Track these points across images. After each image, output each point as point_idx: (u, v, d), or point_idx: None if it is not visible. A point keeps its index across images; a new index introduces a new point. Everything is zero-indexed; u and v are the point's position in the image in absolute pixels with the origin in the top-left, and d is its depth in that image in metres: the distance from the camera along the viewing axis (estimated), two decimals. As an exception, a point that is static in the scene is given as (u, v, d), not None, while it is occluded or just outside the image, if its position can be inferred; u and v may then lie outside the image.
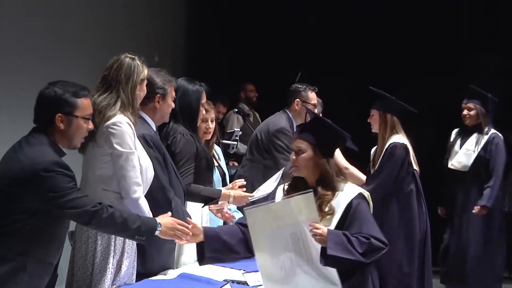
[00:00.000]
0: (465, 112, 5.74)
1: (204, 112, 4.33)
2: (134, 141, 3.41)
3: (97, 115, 3.37)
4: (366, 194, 3.20)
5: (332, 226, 3.06)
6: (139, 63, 3.51)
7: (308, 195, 2.96)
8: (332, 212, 3.10)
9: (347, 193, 3.15)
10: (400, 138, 4.81)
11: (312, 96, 5.55)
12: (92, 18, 6.51)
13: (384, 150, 4.79)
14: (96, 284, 3.34)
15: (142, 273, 3.57)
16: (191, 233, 3.16)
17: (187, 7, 8.64)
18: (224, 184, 4.55)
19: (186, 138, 4.12)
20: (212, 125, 4.51)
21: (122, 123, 3.37)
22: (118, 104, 3.41)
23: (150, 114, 3.79)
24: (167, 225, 3.14)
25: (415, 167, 4.88)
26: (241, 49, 8.26)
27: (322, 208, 3.10)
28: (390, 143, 4.78)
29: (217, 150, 4.73)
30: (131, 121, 3.41)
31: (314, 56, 8.11)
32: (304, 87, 5.53)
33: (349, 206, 3.10)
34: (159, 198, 3.63)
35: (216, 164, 4.57)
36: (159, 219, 3.17)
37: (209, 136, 4.52)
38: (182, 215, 3.68)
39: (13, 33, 5.53)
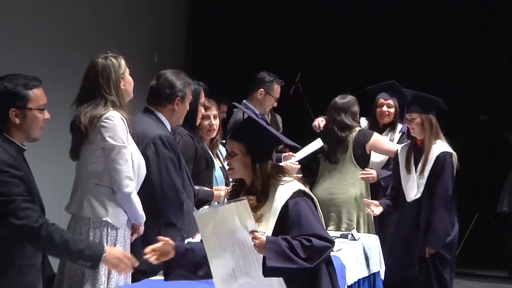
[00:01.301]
0: (384, 108, 5.41)
1: (203, 110, 4.33)
2: (126, 135, 3.42)
3: (82, 117, 3.38)
4: (306, 189, 2.97)
5: (269, 232, 2.86)
6: (112, 59, 3.48)
7: (242, 203, 2.77)
8: (263, 218, 2.90)
9: (282, 194, 2.92)
10: (445, 146, 4.67)
11: (277, 90, 5.40)
12: (92, 18, 6.51)
13: (432, 157, 4.62)
14: (90, 279, 3.34)
15: (147, 272, 3.56)
16: (132, 270, 3.05)
17: (187, 7, 8.63)
18: (227, 184, 4.55)
19: (185, 139, 4.13)
20: (215, 122, 4.48)
21: (114, 117, 3.38)
22: (109, 105, 3.41)
23: (167, 115, 3.83)
24: (114, 254, 2.97)
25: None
26: (241, 49, 8.26)
27: (254, 214, 2.87)
28: (441, 152, 4.63)
29: (222, 150, 4.72)
30: (124, 116, 3.42)
31: (315, 56, 8.10)
32: (271, 78, 5.38)
33: (285, 208, 2.88)
34: (171, 199, 3.64)
35: (219, 165, 4.56)
36: (107, 247, 3.01)
37: (213, 134, 4.50)
38: (193, 218, 3.69)
39: (13, 33, 5.54)
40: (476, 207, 7.98)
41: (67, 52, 6.05)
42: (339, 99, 5.38)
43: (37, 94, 2.90)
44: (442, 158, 4.59)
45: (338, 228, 5.23)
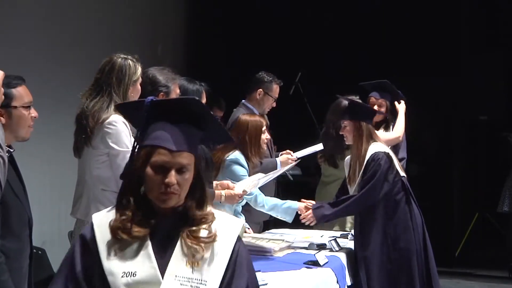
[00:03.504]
0: (375, 108, 5.18)
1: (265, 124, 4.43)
2: (130, 139, 3.41)
3: (90, 119, 3.36)
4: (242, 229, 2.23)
5: (217, 281, 2.04)
6: (131, 63, 3.47)
7: None
8: (202, 260, 2.03)
9: (226, 229, 2.11)
10: (380, 146, 4.42)
11: (276, 90, 5.35)
12: (92, 18, 6.50)
13: (365, 161, 4.34)
14: None
15: None
16: None
17: (187, 7, 8.64)
18: None
19: None
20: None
21: (117, 122, 3.37)
22: (112, 106, 3.39)
23: None
24: None
25: (402, 173, 4.44)
26: (242, 49, 8.26)
27: (200, 239, 2.04)
28: (372, 154, 4.35)
29: None
30: (126, 120, 3.41)
31: (315, 56, 8.10)
32: (270, 78, 5.33)
33: (234, 252, 2.09)
34: None
35: None
36: None
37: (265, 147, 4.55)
38: None
39: (13, 33, 5.53)
40: (476, 207, 7.99)
41: (66, 52, 6.05)
42: (344, 101, 5.35)
43: (20, 92, 2.86)
44: (370, 159, 4.33)
45: (343, 229, 5.20)
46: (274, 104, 5.38)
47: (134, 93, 3.52)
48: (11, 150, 2.87)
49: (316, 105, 7.13)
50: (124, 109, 2.30)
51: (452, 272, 7.40)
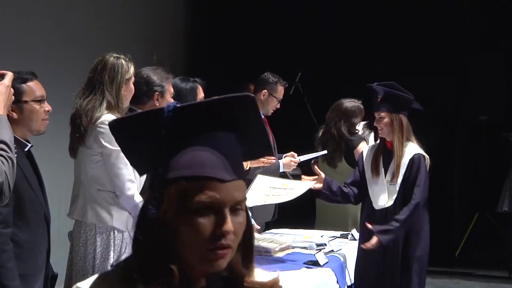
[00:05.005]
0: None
1: None
2: None
3: (84, 118, 3.37)
4: None
5: None
6: (123, 62, 3.48)
7: None
8: None
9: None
10: (417, 148, 4.22)
11: (281, 91, 5.32)
12: (92, 18, 6.50)
13: (406, 160, 4.15)
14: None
15: None
16: None
17: (187, 7, 8.63)
18: None
19: None
20: None
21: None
22: (104, 105, 3.41)
23: None
24: None
25: None
26: (241, 50, 8.26)
27: None
28: (415, 154, 4.15)
29: None
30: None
31: (315, 56, 8.10)
32: (275, 79, 5.30)
33: None
34: None
35: None
36: None
37: None
38: None
39: (13, 32, 5.53)
40: (476, 207, 7.98)
41: (66, 52, 6.04)
42: (346, 103, 5.32)
43: (31, 87, 2.90)
44: (417, 160, 4.15)
45: (345, 230, 5.12)
46: (278, 106, 5.38)
47: (127, 92, 3.54)
48: (29, 145, 2.91)
49: (316, 105, 7.12)
50: (122, 130, 1.44)
51: (452, 272, 7.40)
